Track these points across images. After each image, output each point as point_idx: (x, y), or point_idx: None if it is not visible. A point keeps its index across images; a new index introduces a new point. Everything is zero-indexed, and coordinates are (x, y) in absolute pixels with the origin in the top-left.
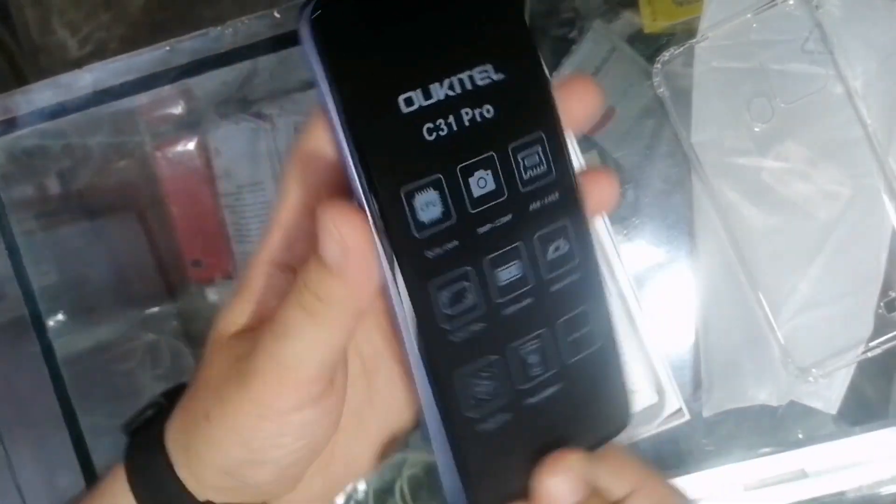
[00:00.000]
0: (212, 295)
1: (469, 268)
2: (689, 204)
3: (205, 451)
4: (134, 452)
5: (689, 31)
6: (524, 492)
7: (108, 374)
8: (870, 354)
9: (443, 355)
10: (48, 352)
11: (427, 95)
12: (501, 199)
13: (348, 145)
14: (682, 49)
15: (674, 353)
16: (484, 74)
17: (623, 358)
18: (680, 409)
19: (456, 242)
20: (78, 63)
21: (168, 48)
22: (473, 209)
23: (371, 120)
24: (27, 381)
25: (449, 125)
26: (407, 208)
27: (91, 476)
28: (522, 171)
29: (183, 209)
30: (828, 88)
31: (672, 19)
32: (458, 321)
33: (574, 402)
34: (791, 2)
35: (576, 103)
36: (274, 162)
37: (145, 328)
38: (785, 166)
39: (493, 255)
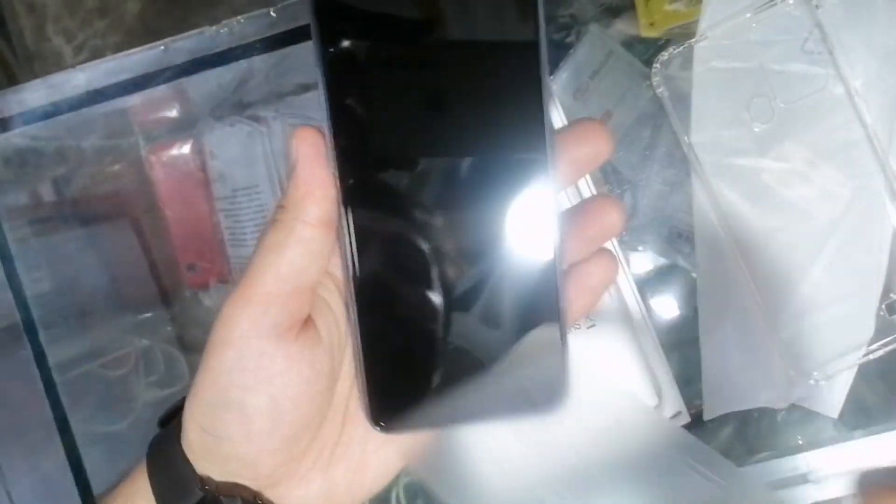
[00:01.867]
0: (207, 300)
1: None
2: (689, 206)
3: (189, 407)
4: (155, 442)
5: (685, 35)
6: (425, 426)
7: (102, 380)
8: (871, 357)
9: (377, 285)
10: (40, 358)
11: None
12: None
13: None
14: (681, 49)
15: (674, 356)
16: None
17: (567, 343)
18: (680, 412)
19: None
20: None
21: (163, 48)
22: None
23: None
24: (19, 388)
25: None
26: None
27: (84, 483)
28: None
29: (177, 213)
30: (828, 88)
31: (668, 24)
32: (398, 270)
33: (501, 368)
34: (791, 1)
35: (586, 147)
36: (269, 165)
37: (139, 334)
38: (785, 167)
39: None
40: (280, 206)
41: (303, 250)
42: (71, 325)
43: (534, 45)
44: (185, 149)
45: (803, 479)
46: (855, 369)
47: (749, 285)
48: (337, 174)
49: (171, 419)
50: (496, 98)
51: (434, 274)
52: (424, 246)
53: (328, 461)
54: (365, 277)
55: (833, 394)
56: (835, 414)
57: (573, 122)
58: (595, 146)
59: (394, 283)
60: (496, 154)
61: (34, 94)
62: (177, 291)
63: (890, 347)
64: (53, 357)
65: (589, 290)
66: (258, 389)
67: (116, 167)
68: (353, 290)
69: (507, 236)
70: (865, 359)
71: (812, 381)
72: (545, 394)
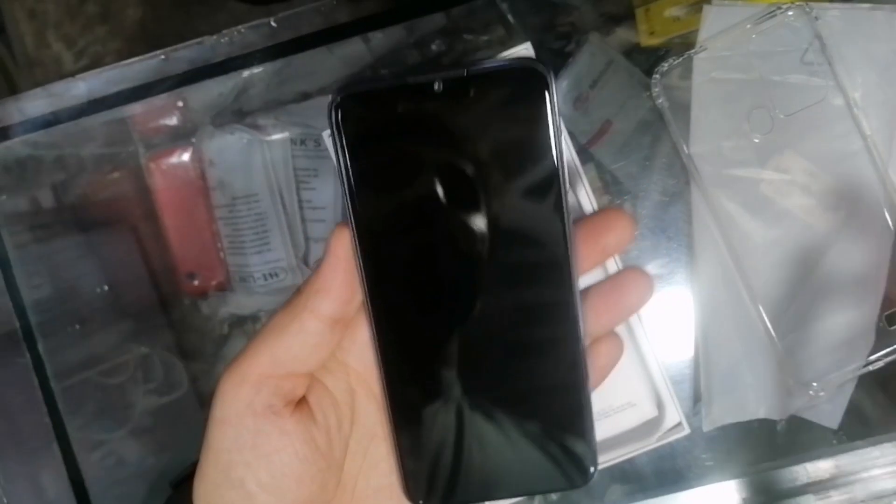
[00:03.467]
0: (205, 308)
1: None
2: (688, 216)
3: (197, 485)
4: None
5: (686, 45)
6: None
7: (100, 387)
8: (871, 368)
9: (402, 373)
10: (38, 365)
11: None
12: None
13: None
14: (680, 60)
15: (673, 367)
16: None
17: (592, 419)
18: (679, 424)
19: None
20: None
21: (163, 57)
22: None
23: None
24: (17, 395)
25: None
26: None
27: (81, 491)
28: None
29: (177, 221)
30: (827, 100)
31: (669, 34)
32: (418, 362)
33: (530, 445)
34: (790, 13)
35: (610, 235)
36: (269, 173)
37: (138, 341)
38: (784, 178)
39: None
40: (297, 290)
41: (302, 341)
42: (69, 332)
43: (550, 146)
44: (185, 157)
45: (803, 489)
46: (855, 380)
47: (748, 295)
48: (362, 273)
49: (184, 481)
50: (515, 199)
51: (459, 361)
52: (448, 337)
53: None
54: (394, 367)
55: (833, 404)
56: (834, 424)
57: (599, 212)
58: (619, 234)
59: (422, 370)
60: (518, 252)
61: (34, 102)
62: (176, 299)
63: (890, 358)
64: (52, 364)
65: (598, 369)
66: (258, 466)
67: (116, 175)
68: (384, 378)
69: (531, 324)
70: (865, 369)
71: (811, 392)
72: (574, 467)
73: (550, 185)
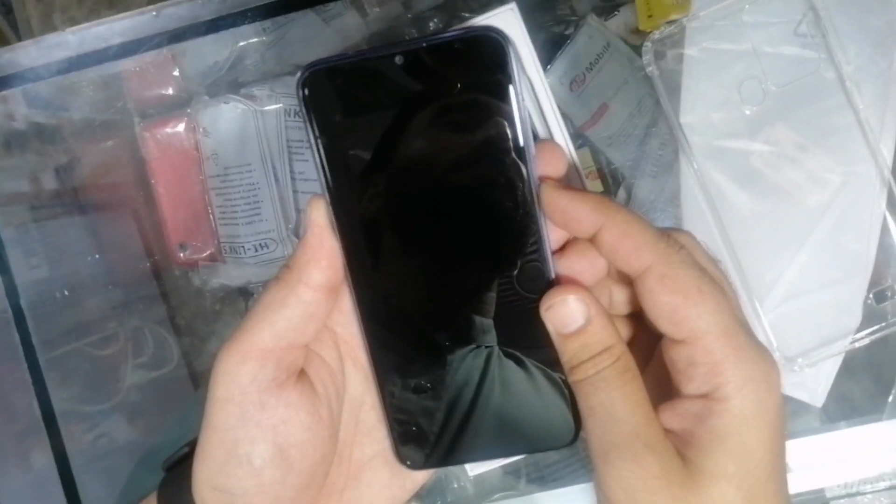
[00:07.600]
0: (196, 280)
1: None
2: (678, 189)
3: (198, 468)
4: (163, 487)
5: (684, 29)
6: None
7: (88, 358)
8: (857, 345)
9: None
10: (25, 335)
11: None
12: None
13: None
14: (673, 29)
15: None
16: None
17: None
18: None
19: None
20: None
21: (154, 13)
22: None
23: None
24: (8, 374)
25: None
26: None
27: (64, 464)
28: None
29: (170, 191)
30: (820, 72)
31: (667, 16)
32: (400, 326)
33: (513, 408)
34: None
35: (543, 165)
36: (262, 144)
37: (129, 314)
38: (775, 150)
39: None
40: (286, 266)
41: (301, 311)
42: (60, 304)
43: (512, 108)
44: (180, 127)
45: (787, 468)
46: (840, 358)
47: (735, 269)
48: (339, 240)
49: (178, 464)
50: (481, 158)
51: (442, 324)
52: (429, 299)
53: None
54: (377, 333)
55: (818, 383)
56: (819, 403)
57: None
58: (554, 166)
59: (405, 334)
60: (486, 208)
61: (26, 53)
62: (167, 270)
63: (876, 336)
64: (39, 334)
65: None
66: (265, 439)
67: (110, 143)
68: (368, 345)
69: (510, 279)
70: (851, 346)
71: (797, 368)
72: (559, 428)
73: (515, 142)
